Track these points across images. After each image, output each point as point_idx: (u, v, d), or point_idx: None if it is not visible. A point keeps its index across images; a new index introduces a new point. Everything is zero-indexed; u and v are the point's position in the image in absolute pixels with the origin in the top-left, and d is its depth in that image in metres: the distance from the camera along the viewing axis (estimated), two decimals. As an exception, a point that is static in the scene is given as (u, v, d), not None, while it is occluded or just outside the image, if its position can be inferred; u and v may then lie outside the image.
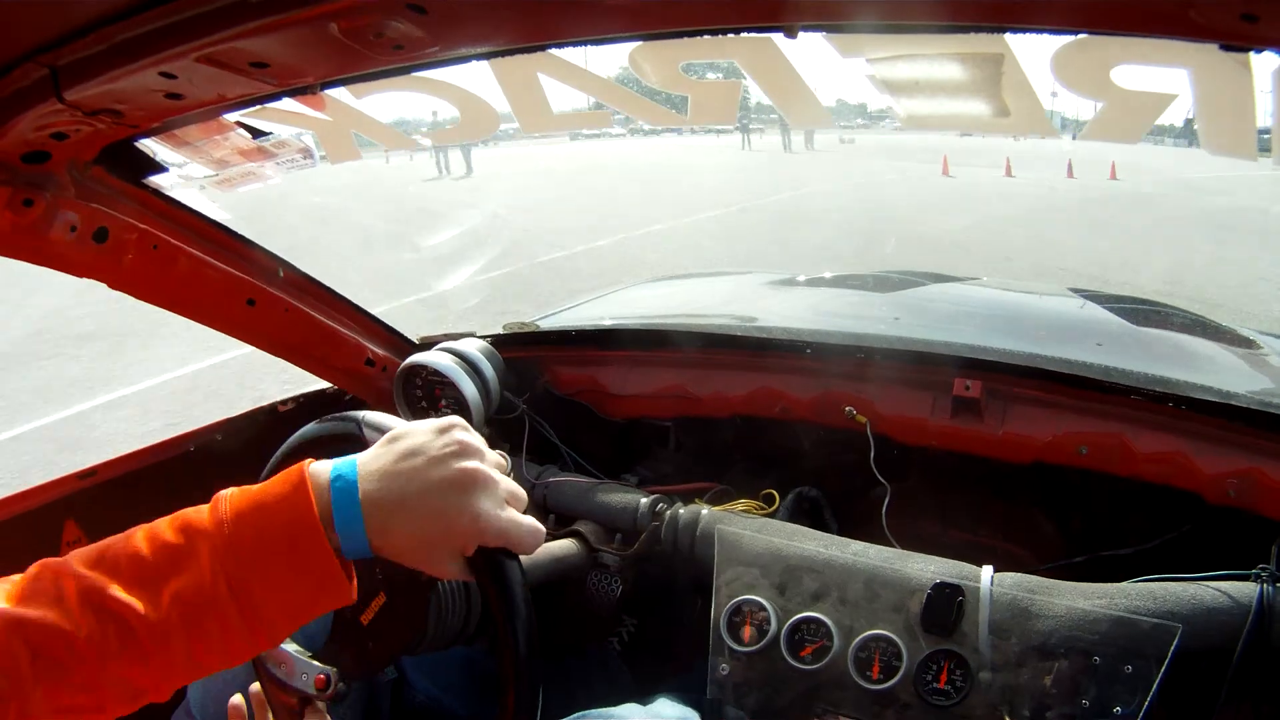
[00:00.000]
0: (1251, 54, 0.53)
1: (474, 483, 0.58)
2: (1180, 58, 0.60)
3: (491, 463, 0.61)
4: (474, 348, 1.27)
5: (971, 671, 0.83)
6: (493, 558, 0.61)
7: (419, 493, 0.57)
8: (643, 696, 0.97)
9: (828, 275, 2.04)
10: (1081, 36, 0.57)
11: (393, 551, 0.57)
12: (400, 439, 0.59)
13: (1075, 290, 1.85)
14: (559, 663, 1.16)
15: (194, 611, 0.52)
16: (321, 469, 0.57)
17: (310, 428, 0.76)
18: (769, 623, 0.91)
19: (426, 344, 1.33)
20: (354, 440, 0.70)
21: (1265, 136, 0.72)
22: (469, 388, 1.22)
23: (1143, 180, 14.93)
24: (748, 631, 0.92)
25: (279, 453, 0.77)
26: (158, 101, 0.62)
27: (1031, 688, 0.81)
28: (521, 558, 0.67)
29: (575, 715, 0.89)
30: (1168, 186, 14.05)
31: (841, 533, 1.00)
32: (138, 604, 0.51)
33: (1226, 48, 0.52)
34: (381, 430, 0.67)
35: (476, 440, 0.60)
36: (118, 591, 0.51)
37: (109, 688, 0.52)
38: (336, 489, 0.55)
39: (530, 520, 0.61)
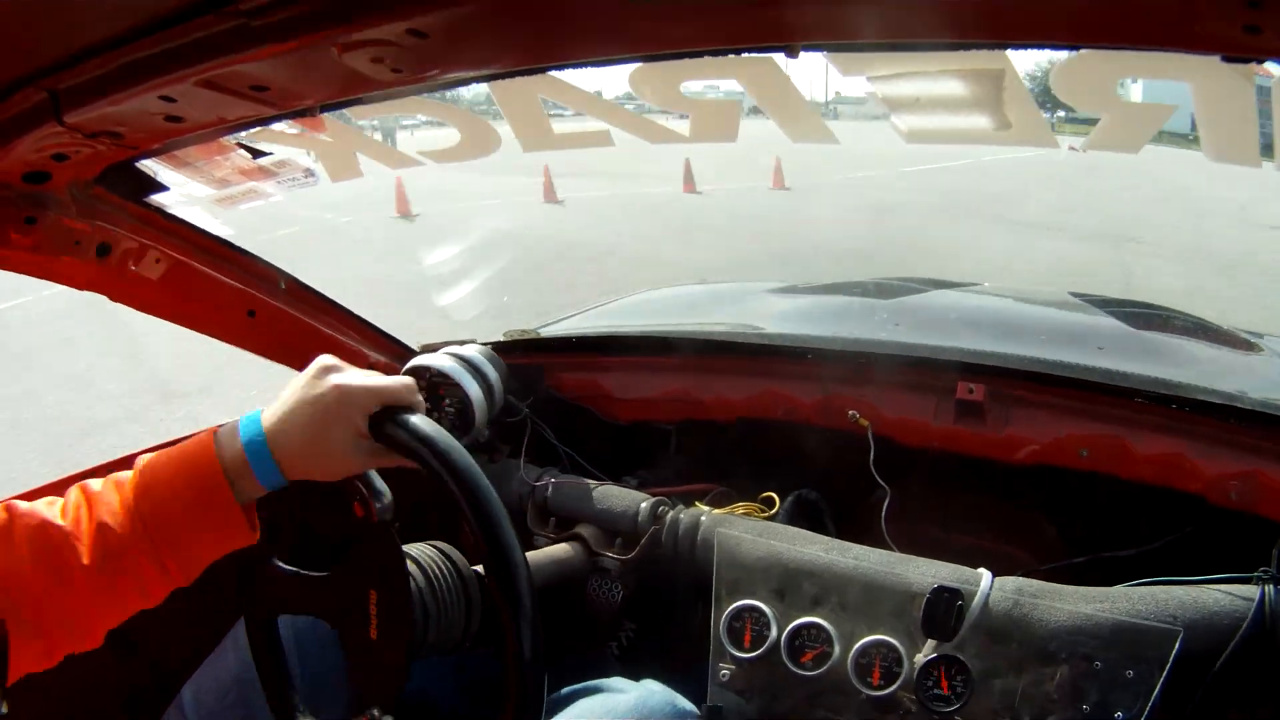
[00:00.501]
0: (1254, 65, 0.53)
1: (328, 369, 0.69)
2: (1183, 70, 0.60)
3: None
4: (477, 351, 1.28)
5: (973, 677, 0.83)
6: (388, 421, 0.69)
7: (298, 403, 0.67)
8: None
9: (829, 283, 2.04)
10: (1084, 51, 0.57)
11: (301, 465, 0.67)
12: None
13: (1076, 295, 1.85)
14: (556, 664, 1.17)
15: (114, 547, 0.62)
16: (232, 423, 0.68)
17: None
18: (769, 628, 0.92)
19: (428, 349, 1.33)
20: None
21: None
22: (473, 388, 1.22)
23: (821, 181, 11.08)
24: (748, 637, 0.93)
25: None
26: (158, 124, 0.63)
27: (1033, 693, 0.81)
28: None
29: (569, 688, 0.90)
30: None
31: (841, 536, 1.00)
32: (75, 542, 0.61)
33: (1229, 59, 0.51)
34: None
35: (333, 359, 0.70)
36: (59, 522, 0.62)
37: (52, 625, 0.62)
38: (246, 433, 0.66)
39: (396, 376, 0.71)
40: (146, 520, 0.63)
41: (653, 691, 0.94)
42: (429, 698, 1.09)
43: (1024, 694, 0.81)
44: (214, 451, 0.65)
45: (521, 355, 1.36)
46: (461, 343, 1.32)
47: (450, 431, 1.29)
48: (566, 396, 1.35)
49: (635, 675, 1.19)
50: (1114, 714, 0.78)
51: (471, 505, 0.68)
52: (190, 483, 0.64)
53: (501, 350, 1.32)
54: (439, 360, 1.24)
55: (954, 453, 1.12)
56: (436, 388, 1.28)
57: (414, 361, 1.26)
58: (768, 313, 1.75)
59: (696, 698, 0.95)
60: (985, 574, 0.88)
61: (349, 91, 0.59)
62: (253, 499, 0.68)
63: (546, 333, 1.46)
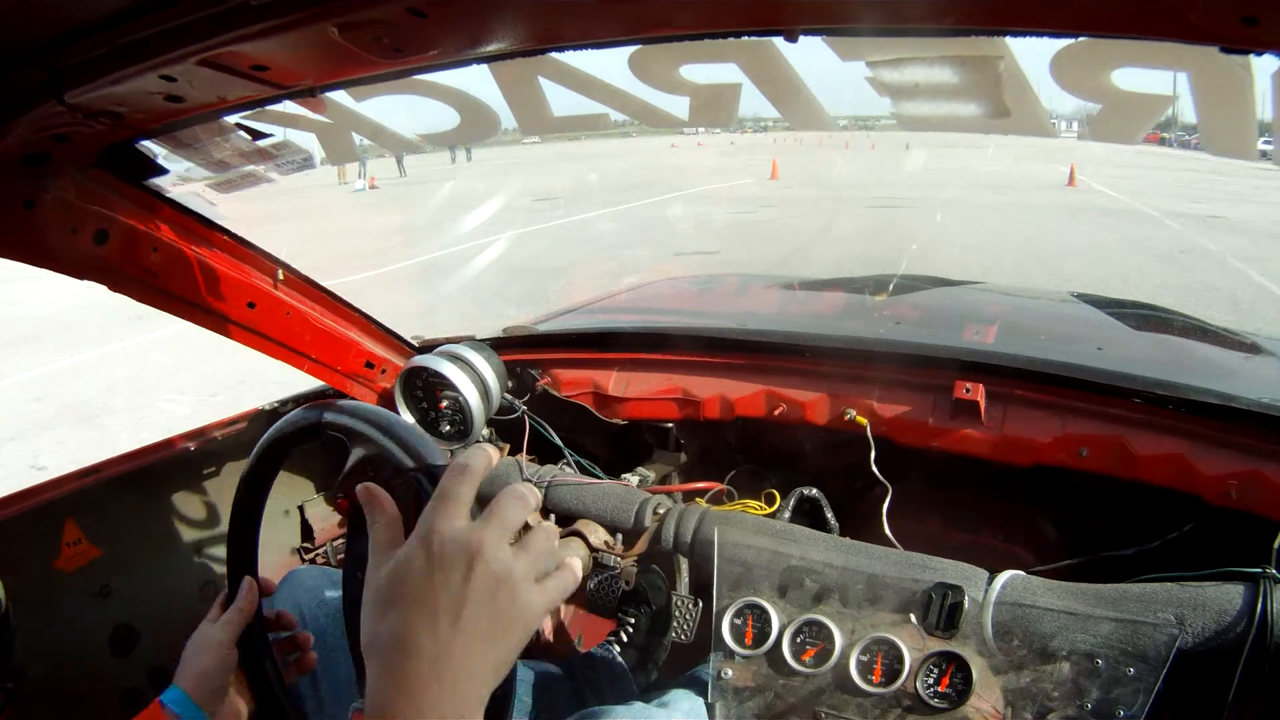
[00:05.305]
0: (1252, 56, 0.53)
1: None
2: (1180, 60, 0.60)
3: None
4: (473, 350, 1.28)
5: (974, 674, 0.82)
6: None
7: None
8: (646, 695, 0.97)
9: (829, 279, 2.05)
10: (1082, 39, 0.57)
11: None
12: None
13: (1076, 295, 1.85)
14: (564, 662, 1.16)
15: None
16: None
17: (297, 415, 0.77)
18: (770, 625, 0.91)
19: (426, 346, 1.34)
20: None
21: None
22: (470, 391, 1.23)
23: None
24: (749, 634, 0.92)
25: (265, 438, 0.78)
26: (158, 104, 0.62)
27: (1034, 690, 0.81)
28: None
29: (577, 714, 0.89)
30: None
31: (843, 534, 1.00)
32: None
33: (1227, 50, 0.51)
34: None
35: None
36: None
37: None
38: None
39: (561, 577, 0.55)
40: None
41: (664, 707, 0.94)
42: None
43: (1025, 691, 0.81)
44: None
45: (519, 351, 1.36)
46: (459, 340, 1.32)
47: (449, 433, 1.30)
48: (565, 394, 1.35)
49: (639, 670, 1.18)
50: (1115, 711, 0.77)
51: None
52: None
53: (499, 346, 1.32)
54: (435, 362, 1.25)
55: (953, 452, 1.12)
56: (433, 389, 1.29)
57: (411, 363, 1.27)
58: (767, 309, 1.75)
59: (697, 694, 0.94)
60: (998, 575, 0.88)
61: (349, 71, 0.59)
62: None
63: (544, 328, 1.46)
